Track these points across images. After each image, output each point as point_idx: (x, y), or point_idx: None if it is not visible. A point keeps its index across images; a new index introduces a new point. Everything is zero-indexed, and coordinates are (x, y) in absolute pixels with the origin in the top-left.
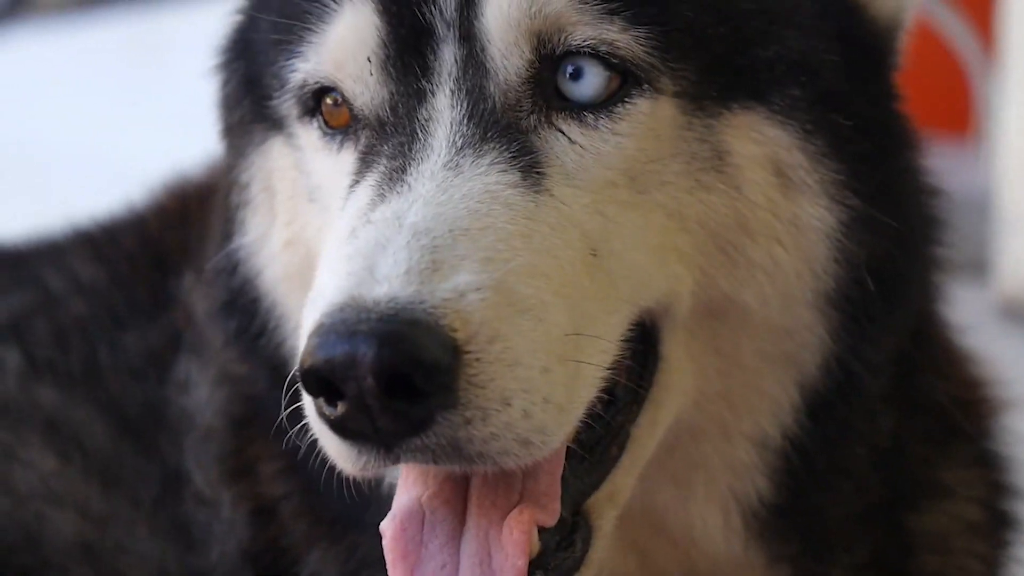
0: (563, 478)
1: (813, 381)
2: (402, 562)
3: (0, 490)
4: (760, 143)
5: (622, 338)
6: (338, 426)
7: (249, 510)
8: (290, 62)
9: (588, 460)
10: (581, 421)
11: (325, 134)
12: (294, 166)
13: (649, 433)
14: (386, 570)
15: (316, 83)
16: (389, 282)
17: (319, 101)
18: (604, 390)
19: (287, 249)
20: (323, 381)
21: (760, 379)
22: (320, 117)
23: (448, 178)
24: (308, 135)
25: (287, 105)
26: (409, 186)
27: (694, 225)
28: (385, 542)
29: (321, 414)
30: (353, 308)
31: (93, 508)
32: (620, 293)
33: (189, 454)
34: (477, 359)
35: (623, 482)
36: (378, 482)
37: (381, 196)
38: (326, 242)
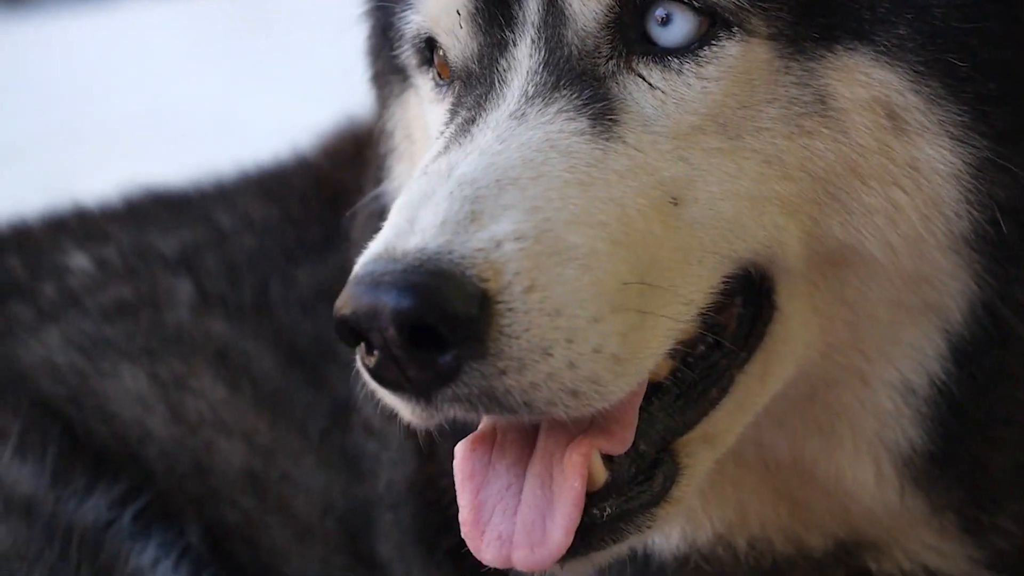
0: (649, 412)
1: (959, 328)
2: (469, 481)
3: (172, 418)
4: (867, 85)
5: (715, 290)
6: (376, 375)
7: (416, 443)
8: (405, 13)
9: (683, 399)
10: (680, 358)
11: (437, 85)
12: (424, 115)
13: (759, 381)
14: None
15: (425, 34)
16: (423, 233)
17: (432, 51)
18: (712, 334)
19: None
20: (354, 330)
21: (898, 328)
22: (434, 69)
23: (511, 127)
24: (425, 85)
25: (407, 55)
26: (472, 137)
27: (797, 172)
28: (456, 462)
29: (363, 363)
30: (384, 259)
31: (261, 438)
32: (705, 244)
33: (359, 384)
34: (510, 309)
35: (723, 426)
36: None
37: (446, 148)
38: None
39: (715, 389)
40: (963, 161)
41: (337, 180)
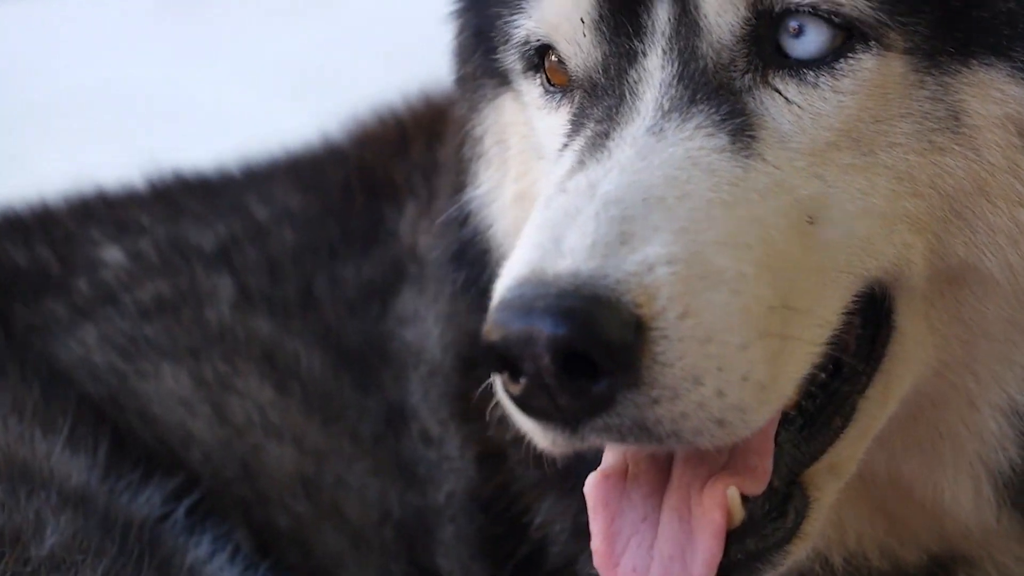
0: (778, 445)
1: None
2: (604, 509)
3: (217, 420)
4: (1001, 102)
5: (844, 310)
6: (521, 403)
7: (478, 453)
8: (514, 17)
9: (808, 429)
10: (802, 388)
11: (547, 91)
12: (525, 122)
13: (879, 404)
14: None
15: (538, 40)
16: (573, 255)
17: (543, 57)
18: (830, 360)
19: (517, 203)
20: (503, 358)
21: (1010, 348)
22: (543, 74)
23: (650, 143)
24: (531, 91)
25: (512, 59)
26: (609, 153)
27: (927, 189)
28: (588, 491)
29: (506, 390)
30: (533, 283)
31: (311, 441)
32: (839, 263)
33: (415, 390)
34: (664, 336)
35: (847, 454)
36: None
37: (581, 163)
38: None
39: (838, 417)
40: None
41: (381, 170)
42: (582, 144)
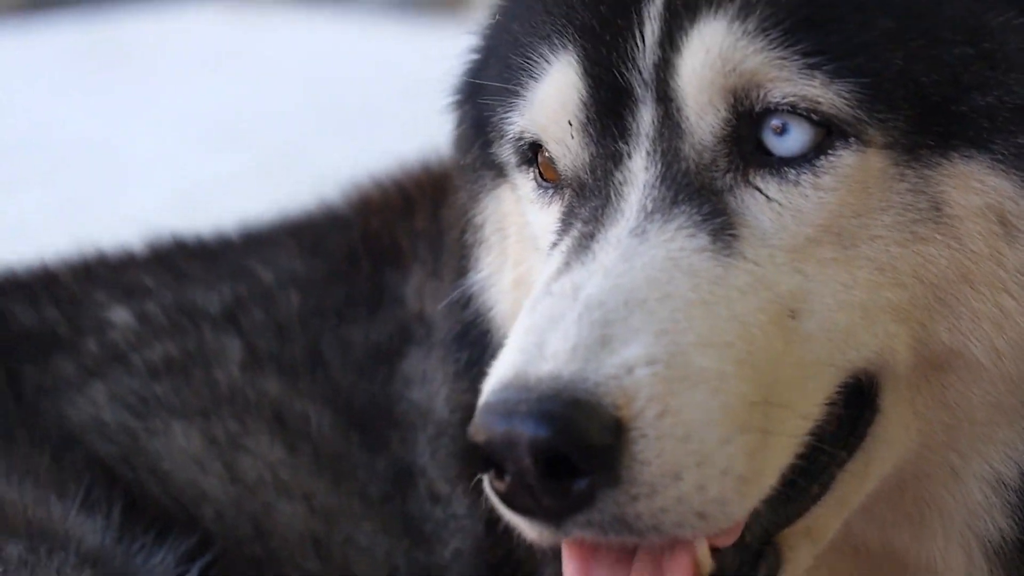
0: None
1: None
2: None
3: (228, 478)
4: (982, 193)
5: (827, 401)
6: (506, 500)
7: (485, 519)
8: (507, 114)
9: (786, 493)
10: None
11: (540, 186)
12: (521, 212)
13: (859, 480)
14: None
15: (531, 137)
16: (555, 359)
17: (536, 153)
18: (808, 444)
19: (515, 288)
20: (488, 458)
21: (993, 428)
22: (535, 169)
23: (632, 246)
24: (525, 185)
25: (507, 153)
26: (594, 255)
27: (909, 279)
28: (564, 558)
29: (492, 487)
30: (516, 387)
31: (321, 500)
32: (820, 356)
33: (423, 450)
34: (643, 435)
35: (825, 521)
36: None
37: (567, 265)
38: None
39: (816, 486)
40: None
41: (386, 236)
42: (569, 245)
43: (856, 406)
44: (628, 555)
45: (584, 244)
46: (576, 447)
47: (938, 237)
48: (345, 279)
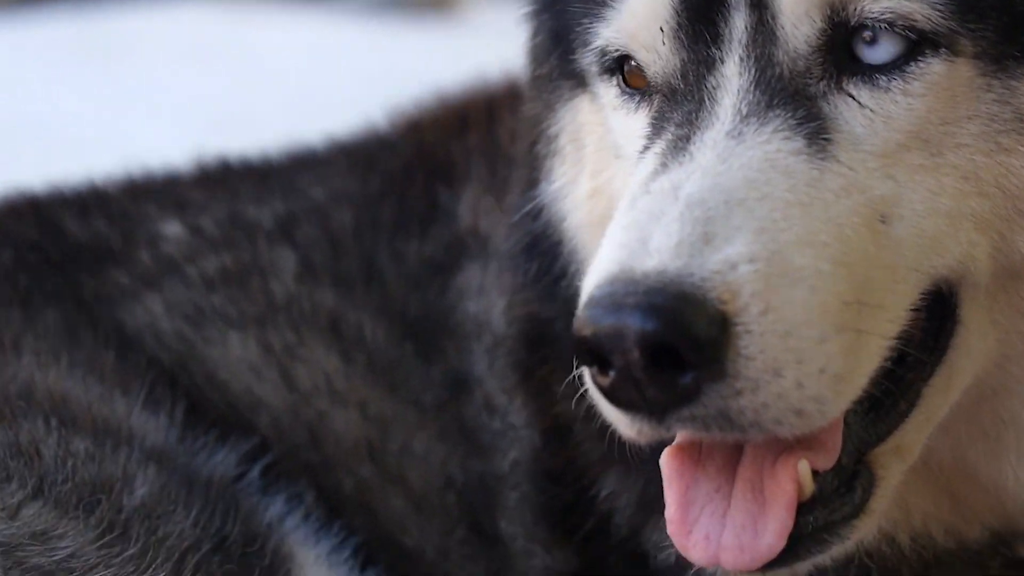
0: (846, 425)
1: None
2: (678, 480)
3: (284, 386)
4: None
5: (912, 307)
6: (610, 395)
7: (544, 428)
8: (592, 25)
9: (875, 412)
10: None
11: (624, 92)
12: (601, 122)
13: (943, 393)
14: None
15: (616, 51)
16: (660, 254)
17: (620, 63)
18: (895, 349)
19: (592, 198)
20: (594, 351)
21: None
22: (620, 76)
23: (730, 147)
24: (608, 93)
25: (589, 63)
26: (691, 156)
27: (992, 188)
28: (663, 463)
29: (595, 382)
30: (622, 281)
31: (376, 408)
32: (909, 261)
33: (479, 360)
34: (747, 331)
35: (912, 437)
36: None
37: (664, 166)
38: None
39: (904, 402)
40: None
41: (441, 152)
42: (663, 147)
43: (938, 317)
44: (730, 467)
45: (680, 146)
46: (684, 339)
47: (1021, 148)
48: (398, 195)
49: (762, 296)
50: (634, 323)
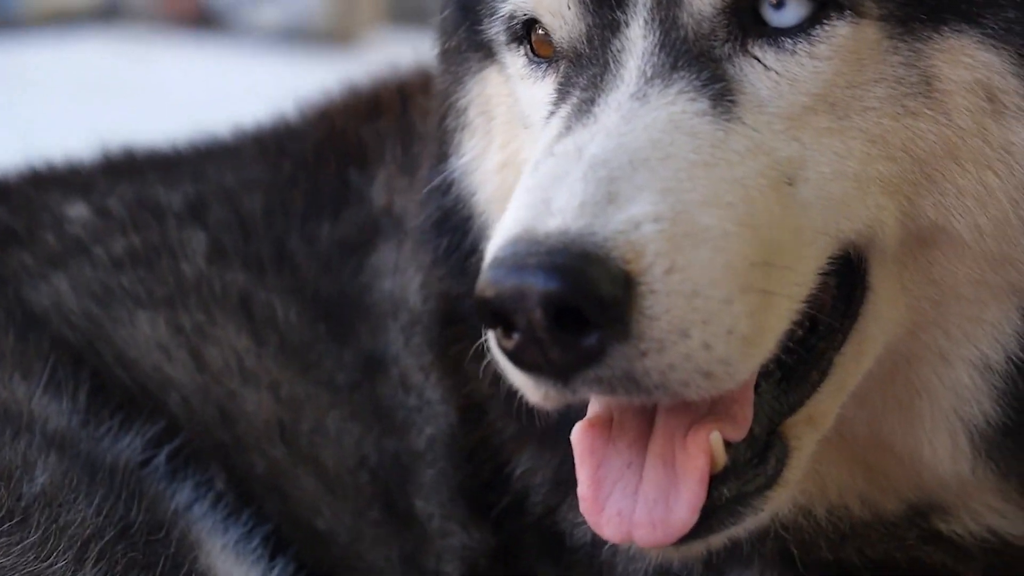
0: (758, 395)
1: None
2: (590, 457)
3: (194, 366)
4: (971, 68)
5: (821, 271)
6: (514, 357)
7: (459, 406)
8: None
9: (787, 382)
10: (781, 343)
11: (531, 62)
12: (509, 93)
13: (855, 361)
14: None
15: (524, 15)
16: (562, 214)
17: (528, 30)
18: (807, 317)
19: (501, 171)
20: (496, 313)
21: (980, 308)
22: (527, 45)
23: (634, 108)
24: (515, 62)
25: (497, 32)
26: (595, 118)
27: (899, 152)
28: (574, 439)
29: (499, 345)
30: (525, 241)
31: (288, 389)
32: (816, 224)
33: (395, 338)
34: (651, 291)
35: (825, 407)
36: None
37: (568, 128)
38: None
39: (815, 372)
40: None
41: (352, 136)
42: (568, 111)
43: (848, 283)
44: (642, 442)
45: (585, 108)
46: (587, 299)
47: (927, 112)
48: (310, 179)
49: (667, 255)
50: (536, 283)
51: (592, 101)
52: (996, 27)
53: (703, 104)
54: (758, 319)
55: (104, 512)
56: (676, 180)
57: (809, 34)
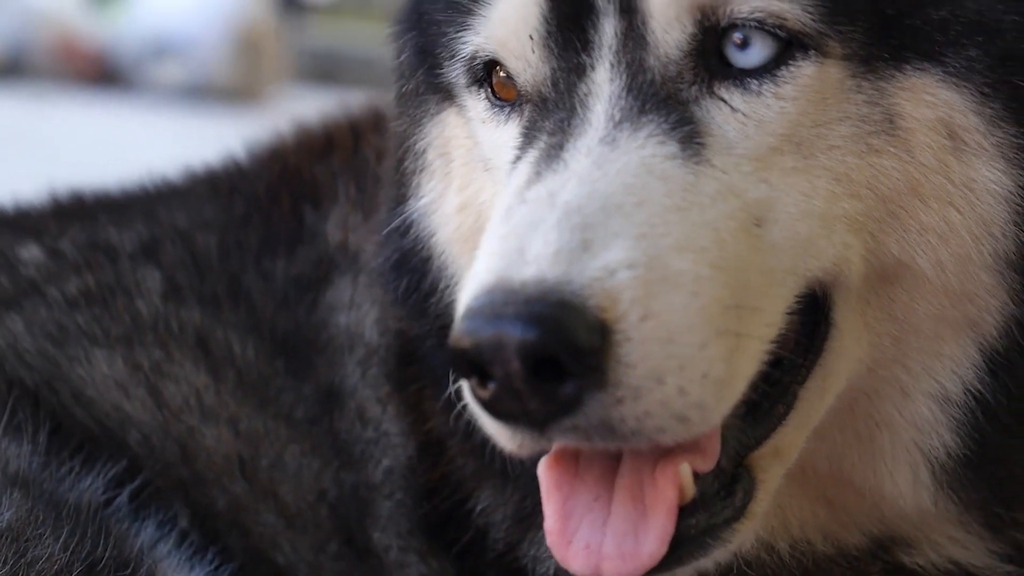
0: (724, 428)
1: (992, 342)
2: (557, 491)
3: (153, 403)
4: (933, 106)
5: (788, 310)
6: (490, 407)
7: (417, 444)
8: (460, 34)
9: (752, 415)
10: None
11: (493, 105)
12: (468, 135)
13: (819, 396)
14: None
15: (486, 56)
16: (538, 262)
17: (489, 72)
18: (771, 352)
19: (460, 212)
20: (473, 363)
21: (938, 343)
22: (488, 88)
23: (604, 153)
24: (476, 105)
25: (457, 75)
26: (565, 163)
27: (863, 190)
28: (540, 473)
29: (474, 394)
30: (501, 290)
31: (247, 424)
32: (784, 264)
33: (351, 372)
34: (627, 338)
35: (790, 440)
36: None
37: (538, 174)
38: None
39: (781, 405)
40: (1015, 183)
41: (305, 174)
42: (536, 156)
43: (812, 320)
44: (609, 475)
45: (554, 154)
46: (566, 348)
47: (891, 149)
48: (263, 217)
49: (642, 302)
50: (514, 333)
51: (561, 146)
52: (958, 65)
53: (673, 147)
54: (731, 362)
55: (71, 548)
56: (650, 225)
57: (774, 75)
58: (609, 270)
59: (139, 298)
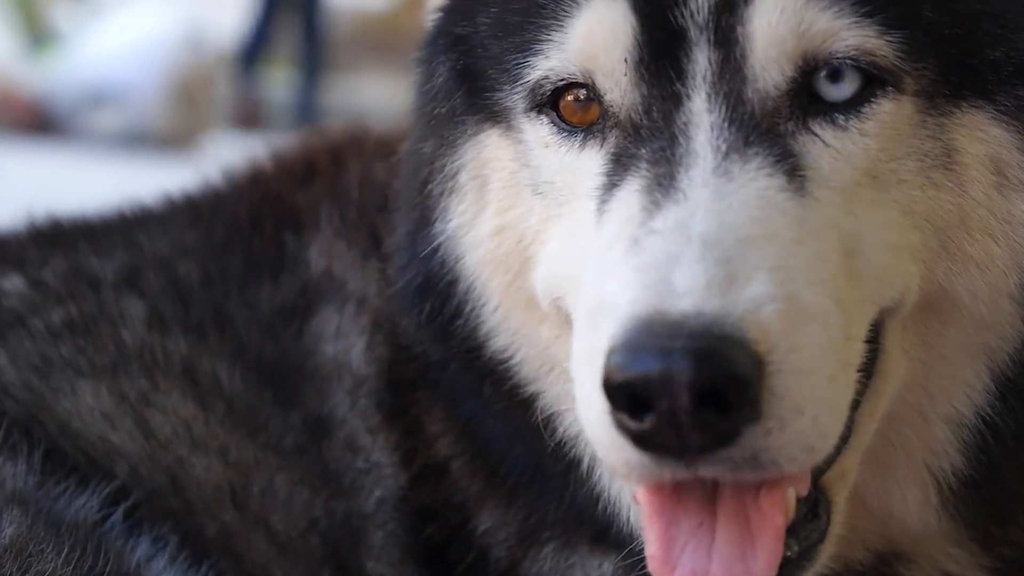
0: None
1: (1004, 368)
2: (658, 518)
3: (140, 434)
4: (984, 142)
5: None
6: (643, 439)
7: (417, 468)
8: (526, 58)
9: None
10: None
11: (561, 130)
12: (513, 158)
13: (871, 419)
14: (567, 534)
15: (560, 80)
16: (691, 296)
17: (557, 97)
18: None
19: (496, 235)
20: (632, 396)
21: (958, 368)
22: (554, 113)
23: (721, 185)
24: (536, 130)
25: (514, 99)
26: (684, 194)
27: (923, 221)
28: (641, 500)
29: (622, 427)
30: (661, 324)
31: (236, 454)
32: (869, 294)
33: (340, 402)
34: (778, 370)
35: (851, 462)
36: (566, 448)
37: (655, 203)
38: (553, 235)
39: (845, 428)
40: None
41: (287, 200)
42: (643, 184)
43: (870, 349)
44: (710, 501)
45: (666, 183)
46: (731, 382)
47: (948, 183)
48: (245, 245)
49: (787, 335)
50: (685, 368)
51: (672, 176)
52: (1008, 104)
53: (781, 180)
54: (847, 391)
55: (73, 563)
56: (780, 259)
57: (859, 111)
58: (757, 303)
59: (123, 328)
